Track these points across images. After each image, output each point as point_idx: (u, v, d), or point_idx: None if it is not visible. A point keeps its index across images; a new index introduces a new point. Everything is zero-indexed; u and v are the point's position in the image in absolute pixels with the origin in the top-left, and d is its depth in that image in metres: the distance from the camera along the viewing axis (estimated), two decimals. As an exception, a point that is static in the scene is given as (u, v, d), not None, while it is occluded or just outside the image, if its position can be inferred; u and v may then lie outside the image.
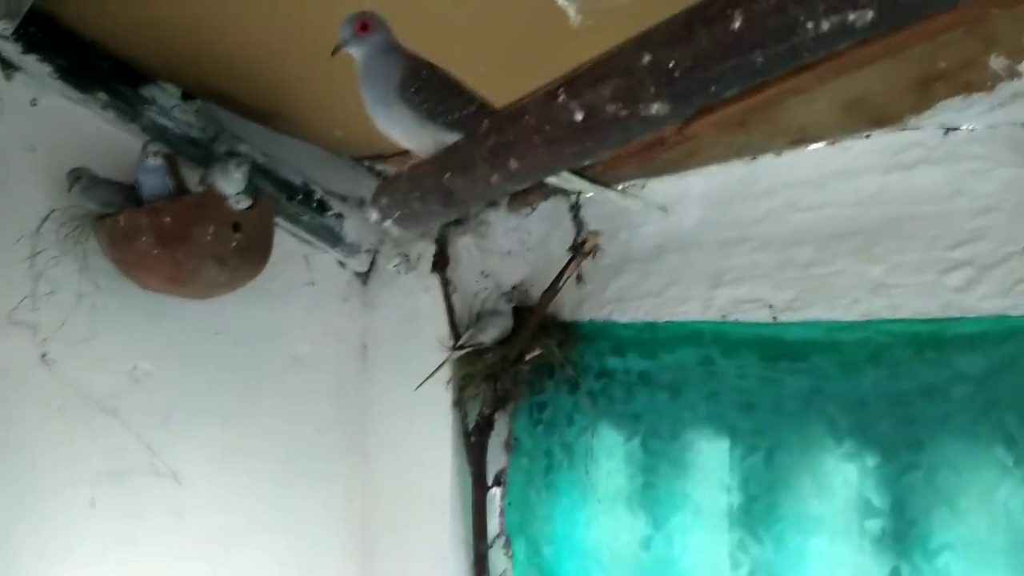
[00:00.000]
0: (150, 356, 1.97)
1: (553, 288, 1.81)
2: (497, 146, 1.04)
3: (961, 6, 1.11)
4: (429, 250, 2.16)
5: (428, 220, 1.30)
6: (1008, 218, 1.32)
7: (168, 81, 1.95)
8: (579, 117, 0.90)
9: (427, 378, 1.95)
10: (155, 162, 1.73)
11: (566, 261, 1.80)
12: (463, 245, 2.11)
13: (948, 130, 1.40)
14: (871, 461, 1.45)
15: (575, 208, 1.75)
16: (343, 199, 2.29)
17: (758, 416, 1.62)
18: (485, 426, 1.98)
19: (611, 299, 1.91)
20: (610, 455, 1.87)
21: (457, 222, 2.12)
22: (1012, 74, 1.22)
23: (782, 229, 1.61)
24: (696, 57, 0.80)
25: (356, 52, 1.24)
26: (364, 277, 2.35)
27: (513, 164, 1.02)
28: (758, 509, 1.59)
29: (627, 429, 1.85)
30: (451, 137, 1.19)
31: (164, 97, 1.94)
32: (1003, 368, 1.32)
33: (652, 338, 1.82)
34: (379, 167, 2.15)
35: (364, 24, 1.22)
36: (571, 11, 1.32)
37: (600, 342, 1.92)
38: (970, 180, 1.37)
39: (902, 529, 1.41)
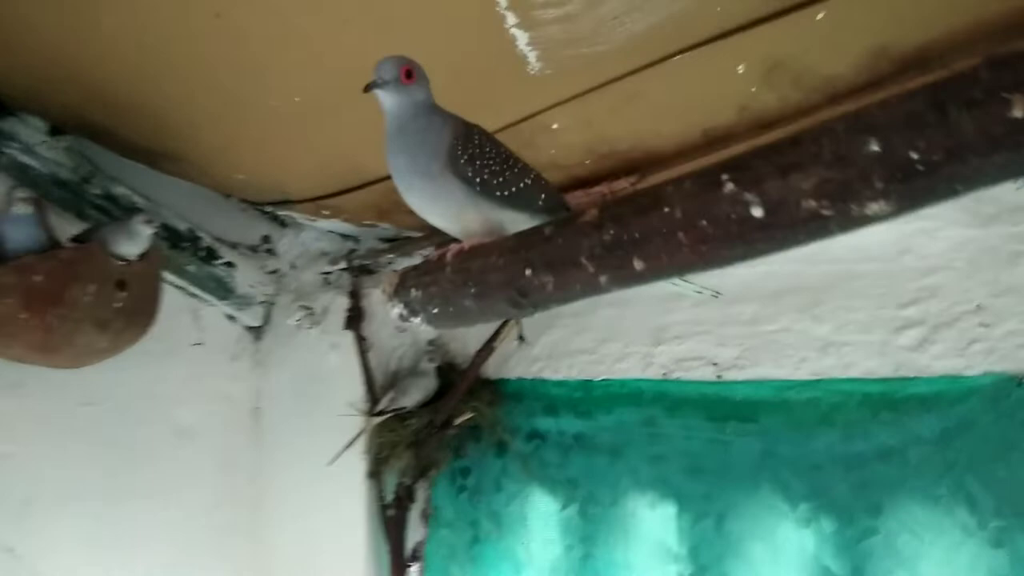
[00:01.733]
0: (7, 436, 1.65)
1: (488, 347, 1.68)
2: (616, 242, 0.83)
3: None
4: (336, 303, 1.97)
5: (480, 320, 1.08)
6: (960, 277, 1.34)
7: (33, 114, 1.66)
8: (758, 214, 0.73)
9: (343, 449, 1.75)
10: (23, 210, 1.45)
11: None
12: (376, 298, 1.94)
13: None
14: (828, 526, 1.42)
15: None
16: (233, 246, 2.06)
17: (706, 480, 1.55)
18: (406, 498, 1.81)
19: (541, 356, 1.80)
20: (544, 524, 1.75)
21: (370, 271, 1.95)
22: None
23: (725, 284, 1.57)
24: (951, 148, 0.64)
25: (390, 101, 1.03)
26: (257, 332, 2.12)
27: (638, 265, 0.83)
28: (709, 579, 1.52)
29: (563, 495, 1.73)
30: (506, 216, 1.02)
31: (28, 132, 1.66)
32: (960, 429, 1.32)
33: (587, 397, 1.73)
34: (282, 212, 1.95)
35: (409, 71, 1.02)
36: (532, 57, 1.22)
37: (530, 401, 1.80)
38: (919, 239, 1.38)
39: (863, 596, 1.37)
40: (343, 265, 1.96)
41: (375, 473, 1.81)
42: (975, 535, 1.28)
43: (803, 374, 1.48)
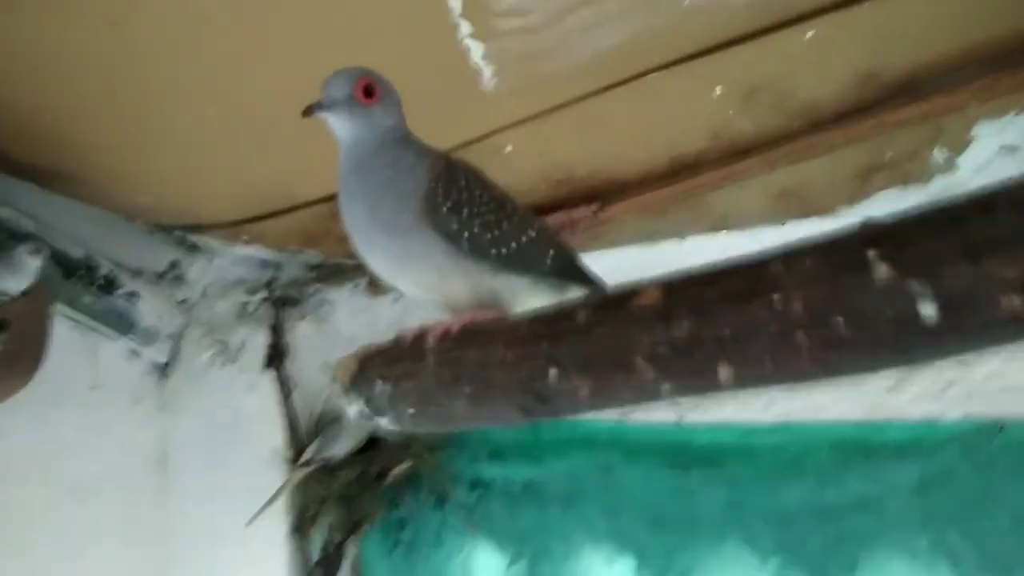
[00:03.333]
0: None
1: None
2: (694, 340, 0.59)
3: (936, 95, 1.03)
4: (255, 337, 1.77)
5: (474, 425, 0.82)
6: (938, 317, 1.27)
7: None
8: (929, 312, 0.50)
9: (264, 506, 1.56)
10: None
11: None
12: (301, 333, 1.75)
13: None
14: (801, 581, 1.32)
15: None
16: (137, 273, 1.83)
17: (669, 532, 1.43)
18: (335, 557, 1.62)
19: (484, 396, 1.65)
20: (491, 581, 1.60)
21: (292, 302, 1.76)
22: (950, 167, 1.16)
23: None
24: None
25: (343, 128, 0.79)
26: (163, 370, 1.89)
27: (724, 373, 0.59)
28: (674, 641, 1.40)
29: (511, 550, 1.58)
30: (503, 283, 0.78)
31: None
32: (939, 478, 1.24)
33: (536, 441, 1.59)
34: (192, 238, 1.75)
35: (369, 87, 0.78)
36: (486, 72, 1.08)
37: (474, 446, 1.65)
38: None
39: (840, 658, 1.28)
40: (263, 295, 1.76)
41: (300, 531, 1.62)
42: (959, 590, 1.20)
43: (770, 417, 1.38)
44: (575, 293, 0.83)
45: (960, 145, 1.13)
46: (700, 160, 1.22)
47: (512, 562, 1.58)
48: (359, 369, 0.81)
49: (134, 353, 1.85)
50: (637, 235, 1.37)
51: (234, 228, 1.58)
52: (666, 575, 1.42)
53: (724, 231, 1.37)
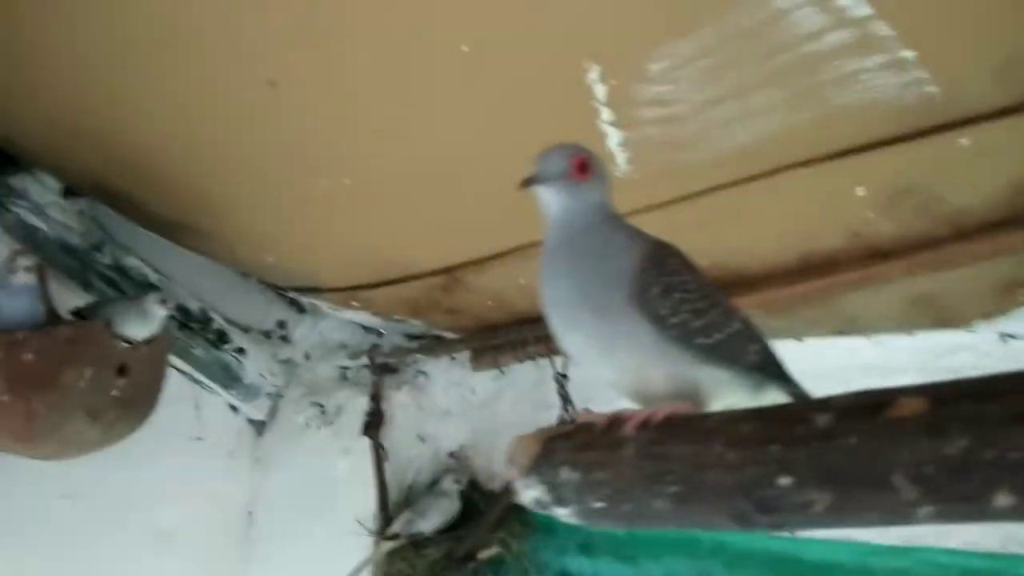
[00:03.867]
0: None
1: (526, 474, 1.48)
2: (969, 460, 0.51)
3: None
4: (353, 402, 1.78)
5: (673, 527, 0.72)
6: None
7: (47, 171, 1.52)
8: None
9: (355, 573, 1.53)
10: (24, 280, 1.27)
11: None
12: (397, 401, 1.75)
13: (1007, 337, 1.26)
14: None
15: (561, 378, 1.46)
16: (246, 330, 1.89)
17: (771, 653, 1.34)
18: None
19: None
20: None
21: (391, 370, 1.76)
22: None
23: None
24: None
25: (556, 203, 0.76)
26: (260, 427, 1.91)
27: (1003, 501, 0.50)
28: None
29: (598, 655, 1.50)
30: (705, 374, 0.73)
31: (39, 191, 1.51)
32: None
33: (631, 539, 1.52)
34: (307, 299, 1.79)
35: (584, 163, 0.76)
36: (621, 159, 1.08)
37: (563, 537, 1.59)
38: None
39: None
40: (364, 361, 1.78)
41: (384, 604, 1.58)
42: None
43: (892, 539, 1.28)
44: (774, 394, 0.78)
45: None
46: (833, 259, 1.17)
47: (598, 667, 1.50)
48: (543, 451, 0.74)
49: (234, 408, 1.88)
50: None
51: (346, 293, 1.61)
52: None
53: (848, 335, 1.31)
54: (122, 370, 1.33)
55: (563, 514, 0.72)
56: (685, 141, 1.05)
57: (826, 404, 0.61)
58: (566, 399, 1.45)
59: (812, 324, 1.27)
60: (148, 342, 1.37)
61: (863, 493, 0.56)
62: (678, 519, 0.67)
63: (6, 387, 1.22)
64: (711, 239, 1.21)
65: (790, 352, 1.38)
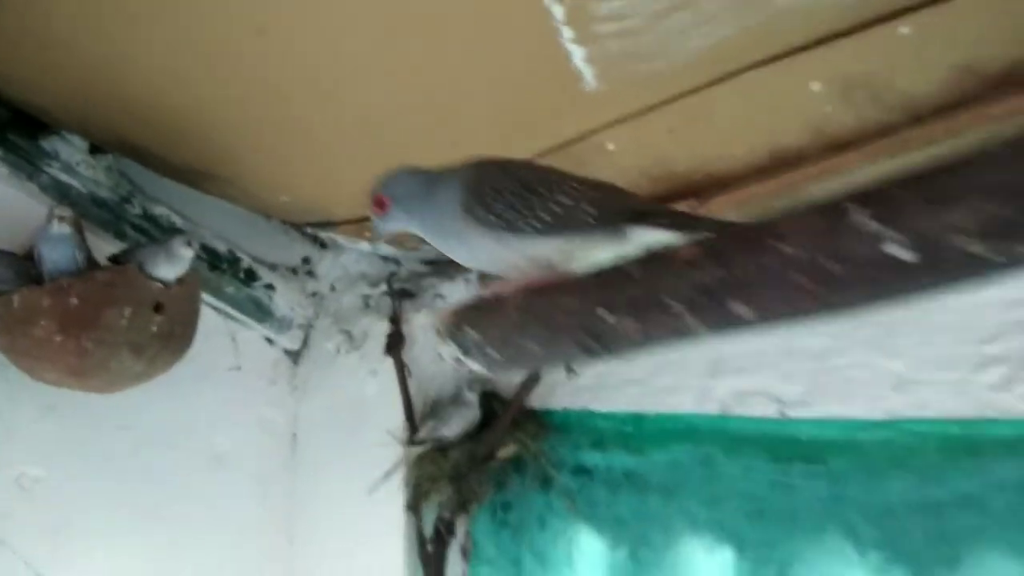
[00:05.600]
0: (39, 460, 1.61)
1: (534, 376, 1.60)
2: (714, 284, 0.71)
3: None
4: (376, 327, 1.91)
5: (545, 365, 1.05)
6: (1049, 311, 1.24)
7: (73, 132, 1.64)
8: (901, 255, 0.60)
9: (382, 479, 1.68)
10: (62, 230, 1.41)
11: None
12: (417, 323, 1.88)
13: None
14: (901, 576, 1.31)
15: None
16: (273, 268, 2.02)
17: (768, 525, 1.45)
18: (446, 533, 1.73)
19: (588, 386, 1.72)
20: (591, 565, 1.66)
21: (410, 295, 1.88)
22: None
23: (789, 315, 1.48)
24: None
25: (393, 227, 1.01)
26: (295, 356, 2.07)
27: (740, 310, 0.70)
28: (771, 631, 1.42)
29: (611, 535, 1.64)
30: (553, 247, 0.91)
31: (68, 151, 1.63)
32: (1052, 477, 1.22)
33: (638, 432, 1.64)
34: (323, 234, 1.90)
35: (380, 202, 0.99)
36: (587, 74, 1.15)
37: (576, 434, 1.71)
38: (1005, 270, 1.28)
39: (943, 654, 1.26)
40: (383, 288, 1.90)
41: (414, 507, 1.74)
42: (1068, 592, 1.17)
43: (876, 413, 1.37)
44: (638, 236, 0.94)
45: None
46: (801, 154, 1.23)
47: (613, 547, 1.63)
48: (455, 321, 0.99)
49: (269, 341, 2.03)
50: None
51: (359, 225, 1.71)
52: (765, 566, 1.44)
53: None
54: (158, 308, 1.47)
55: (473, 364, 0.91)
56: (645, 52, 1.11)
57: (639, 259, 0.83)
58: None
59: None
60: (180, 281, 1.50)
61: (652, 316, 0.77)
62: (546, 356, 0.88)
63: (58, 328, 1.37)
64: (684, 146, 1.28)
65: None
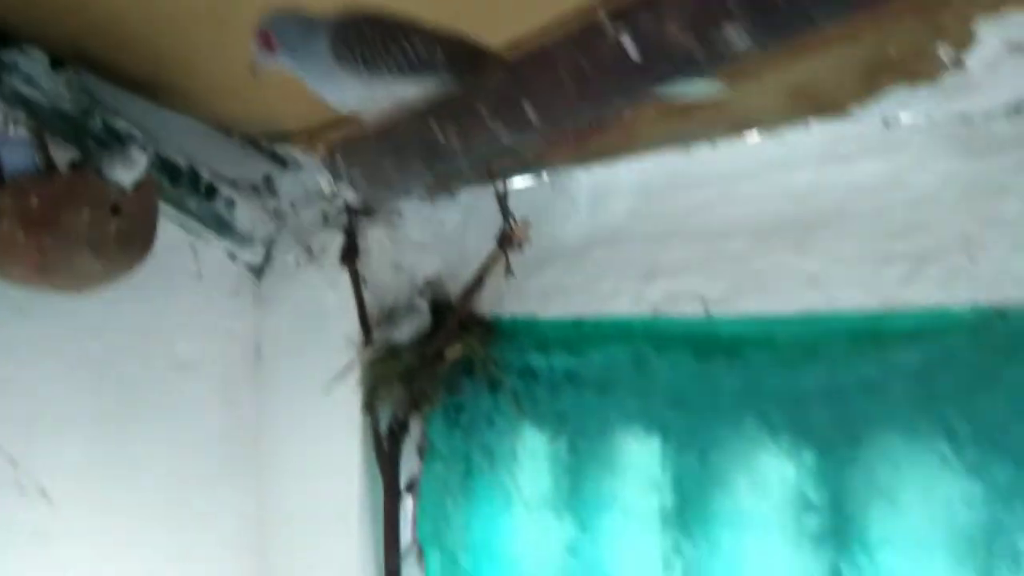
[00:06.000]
0: (11, 357, 1.70)
1: (477, 282, 1.69)
2: (507, 92, 0.89)
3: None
4: (335, 241, 1.99)
5: (402, 185, 1.15)
6: (948, 211, 1.32)
7: (34, 45, 1.68)
8: (634, 54, 0.74)
9: (337, 377, 1.78)
10: (19, 133, 1.47)
11: (489, 253, 1.69)
12: (373, 237, 1.96)
13: (889, 122, 1.40)
14: (808, 457, 1.43)
15: (502, 197, 1.64)
16: (233, 184, 2.08)
17: (692, 414, 1.57)
18: (399, 429, 1.84)
19: (534, 294, 1.81)
20: (534, 457, 1.78)
21: (367, 211, 1.96)
22: (957, 65, 1.22)
23: (716, 221, 1.57)
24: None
25: (275, 66, 1.13)
26: (257, 271, 2.15)
27: (530, 114, 0.87)
28: (692, 509, 1.54)
29: (552, 430, 1.76)
30: (414, 86, 1.06)
31: (29, 63, 1.67)
32: (942, 362, 1.32)
33: (579, 335, 1.74)
34: (279, 149, 1.96)
35: (265, 38, 1.10)
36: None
37: (523, 339, 1.82)
38: (909, 172, 1.36)
39: (841, 525, 1.38)
40: (341, 204, 1.97)
41: (369, 407, 1.84)
42: (952, 465, 1.29)
43: (790, 309, 1.47)
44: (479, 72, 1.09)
45: (963, 43, 1.17)
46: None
47: (553, 440, 1.75)
48: (329, 152, 1.21)
49: (232, 255, 2.11)
50: (664, 140, 1.48)
51: (311, 136, 1.78)
52: (687, 450, 1.56)
53: (749, 133, 1.46)
54: (116, 210, 1.54)
55: (345, 192, 1.05)
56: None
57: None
58: (505, 212, 1.63)
59: (711, 124, 1.42)
60: (137, 186, 1.57)
61: (468, 123, 0.99)
62: (401, 180, 1.01)
63: (20, 227, 1.44)
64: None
65: (708, 157, 1.55)
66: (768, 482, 1.46)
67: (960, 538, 1.28)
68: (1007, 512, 1.25)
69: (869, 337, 1.39)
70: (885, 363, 1.37)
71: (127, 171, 1.53)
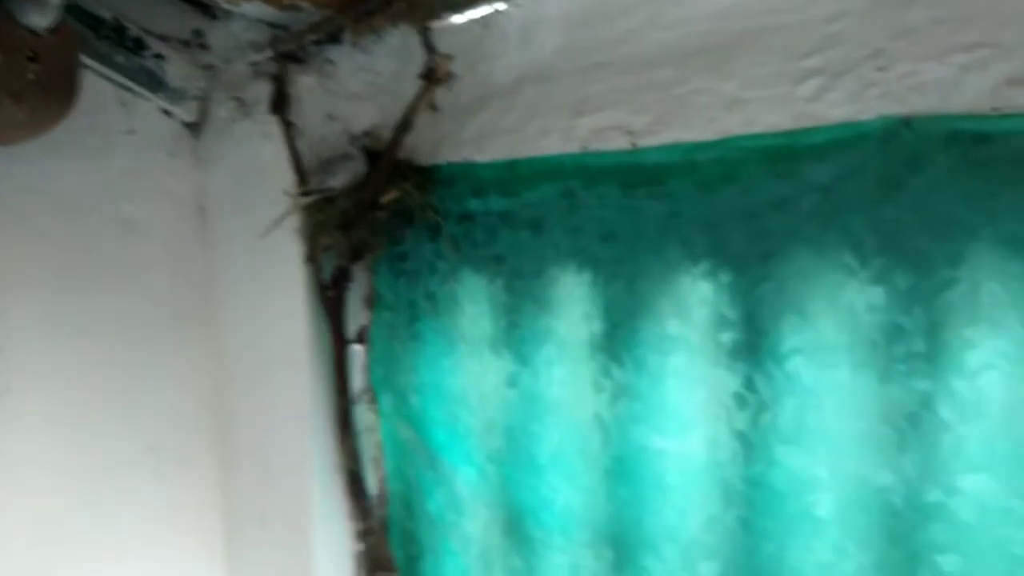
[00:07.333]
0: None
1: (405, 121, 1.69)
2: None
3: None
4: (266, 93, 1.97)
5: None
6: (859, 22, 1.32)
7: None
8: None
9: (273, 225, 1.81)
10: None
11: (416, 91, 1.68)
12: (305, 86, 1.93)
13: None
14: (725, 278, 1.48)
15: (425, 32, 1.62)
16: (163, 39, 2.03)
17: (619, 245, 1.61)
18: (341, 279, 1.88)
19: (469, 139, 1.82)
20: (474, 299, 1.83)
21: (296, 59, 1.93)
22: None
23: (642, 50, 1.56)
24: None
25: None
26: (194, 129, 2.13)
27: None
28: (620, 335, 1.60)
29: (490, 272, 1.80)
30: None
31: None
32: (851, 174, 1.35)
33: (513, 176, 1.76)
34: (208, 0, 1.91)
35: None
36: None
37: (460, 185, 1.83)
38: (825, -13, 1.35)
39: (754, 339, 1.45)
40: (269, 53, 1.94)
41: (311, 257, 1.87)
42: (857, 274, 1.34)
43: (710, 134, 1.49)
44: None
45: None
46: None
47: (491, 281, 1.80)
48: None
49: (166, 112, 2.09)
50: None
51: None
52: (616, 280, 1.61)
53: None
54: (34, 57, 1.52)
55: None
56: None
57: None
58: (429, 45, 1.61)
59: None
60: (54, 32, 1.54)
61: None
62: None
63: (-68, 75, 1.42)
64: None
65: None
66: (688, 304, 1.52)
67: (863, 344, 1.35)
68: (907, 317, 1.31)
69: (783, 156, 1.42)
70: (797, 180, 1.40)
71: (40, 15, 1.48)
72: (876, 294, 1.33)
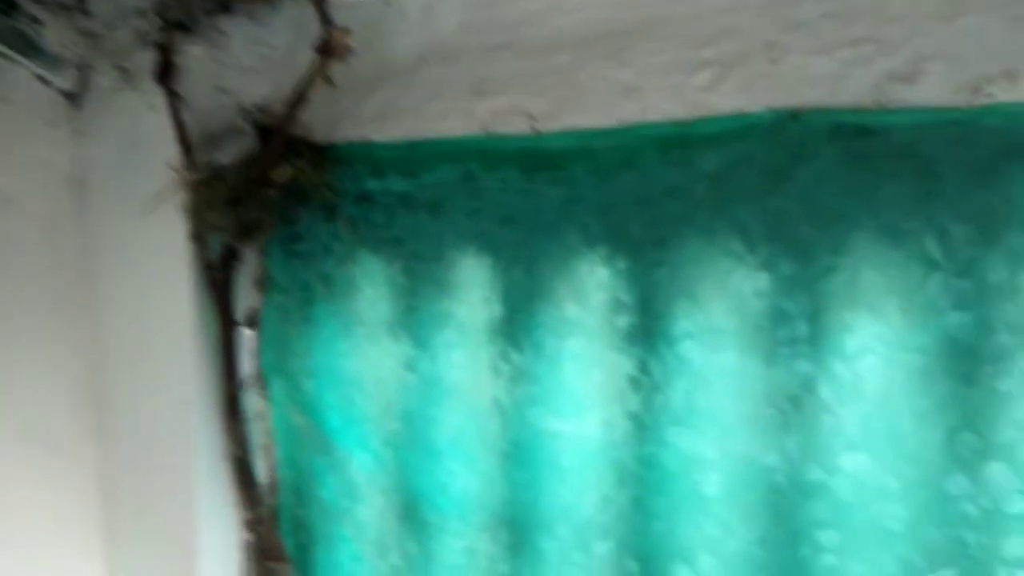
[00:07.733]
0: None
1: (299, 96, 1.62)
2: None
3: None
4: (152, 63, 1.86)
5: None
6: (753, 15, 1.36)
7: None
8: None
9: (155, 199, 1.71)
10: None
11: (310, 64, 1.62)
12: (194, 56, 1.84)
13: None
14: (621, 263, 1.50)
15: (321, 4, 1.56)
16: (40, 2, 1.89)
17: (518, 229, 1.60)
18: (230, 258, 1.80)
19: (368, 118, 1.77)
20: (372, 282, 1.79)
21: (184, 28, 1.83)
22: None
23: (542, 33, 1.56)
24: None
25: None
26: (74, 99, 1.99)
27: None
28: (519, 319, 1.60)
29: (388, 254, 1.76)
30: None
31: None
32: (739, 164, 1.39)
33: (412, 157, 1.73)
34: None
35: None
36: None
37: (358, 164, 1.79)
38: (723, -22, 1.38)
39: (648, 323, 1.48)
40: (156, 20, 1.83)
41: (197, 235, 1.79)
42: (745, 261, 1.39)
43: (607, 121, 1.50)
44: None
45: None
46: None
47: (389, 264, 1.76)
48: None
49: (43, 80, 1.94)
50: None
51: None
52: (516, 264, 1.61)
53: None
54: None
55: None
56: None
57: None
58: (325, 17, 1.56)
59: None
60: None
61: None
62: None
63: None
64: None
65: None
66: (586, 288, 1.54)
67: (749, 328, 1.40)
68: (790, 302, 1.37)
69: (676, 144, 1.45)
70: (689, 169, 1.44)
71: None
72: (762, 280, 1.38)
